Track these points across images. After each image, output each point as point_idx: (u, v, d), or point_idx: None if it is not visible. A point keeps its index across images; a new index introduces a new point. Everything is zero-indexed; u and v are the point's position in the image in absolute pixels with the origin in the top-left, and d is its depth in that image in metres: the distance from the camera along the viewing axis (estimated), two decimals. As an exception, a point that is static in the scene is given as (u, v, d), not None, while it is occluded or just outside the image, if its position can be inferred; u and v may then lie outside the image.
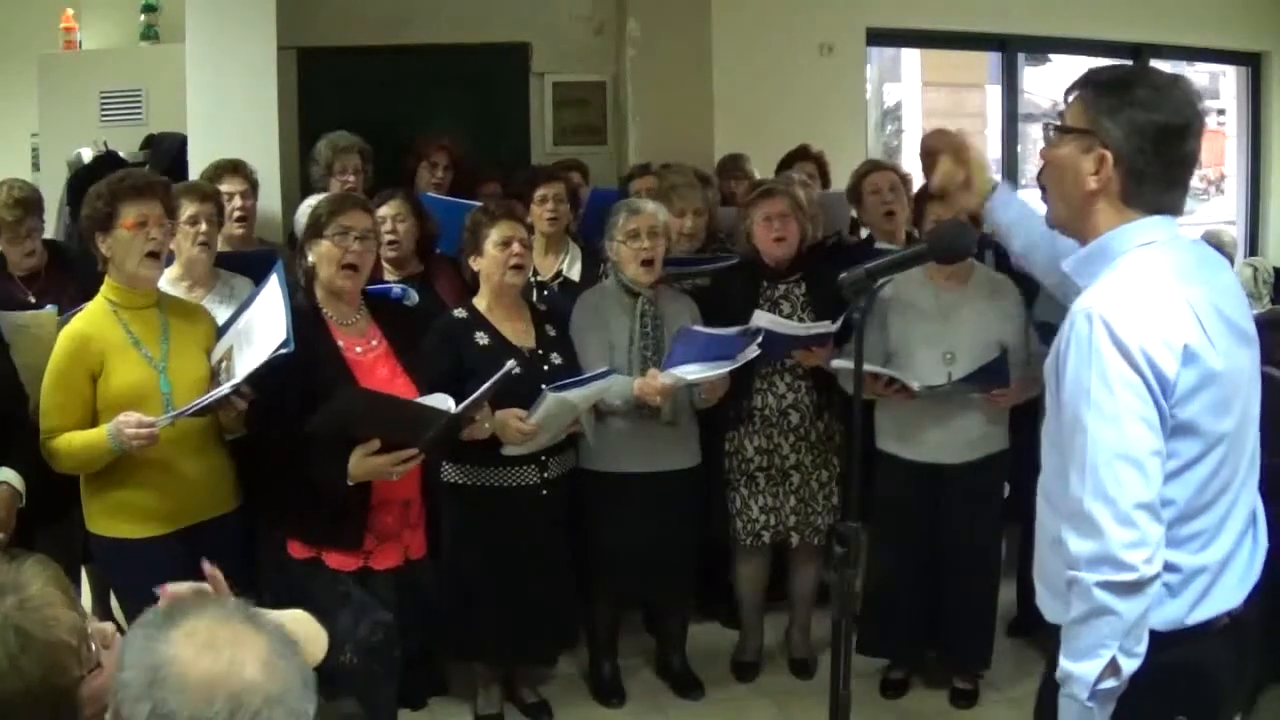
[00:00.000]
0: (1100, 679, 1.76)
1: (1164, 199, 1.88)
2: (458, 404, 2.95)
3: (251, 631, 1.24)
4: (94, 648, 1.50)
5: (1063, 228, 1.98)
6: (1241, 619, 1.88)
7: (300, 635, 1.41)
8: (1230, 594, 1.87)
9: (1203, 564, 1.84)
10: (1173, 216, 1.90)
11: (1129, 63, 1.92)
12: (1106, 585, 1.74)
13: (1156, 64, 6.85)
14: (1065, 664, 1.81)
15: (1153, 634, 1.79)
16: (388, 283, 3.75)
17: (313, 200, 3.79)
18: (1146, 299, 1.78)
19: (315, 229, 3.08)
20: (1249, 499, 1.93)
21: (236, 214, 4.01)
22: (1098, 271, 1.87)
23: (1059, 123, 1.91)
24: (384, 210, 3.87)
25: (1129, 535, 1.74)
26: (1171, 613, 1.82)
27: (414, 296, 3.59)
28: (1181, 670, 1.83)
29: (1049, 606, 1.93)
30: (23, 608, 1.42)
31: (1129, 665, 1.76)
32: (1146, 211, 1.87)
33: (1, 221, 3.64)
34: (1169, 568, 1.80)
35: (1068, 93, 1.93)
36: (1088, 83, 1.90)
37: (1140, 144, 1.82)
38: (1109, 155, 1.83)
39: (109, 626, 1.57)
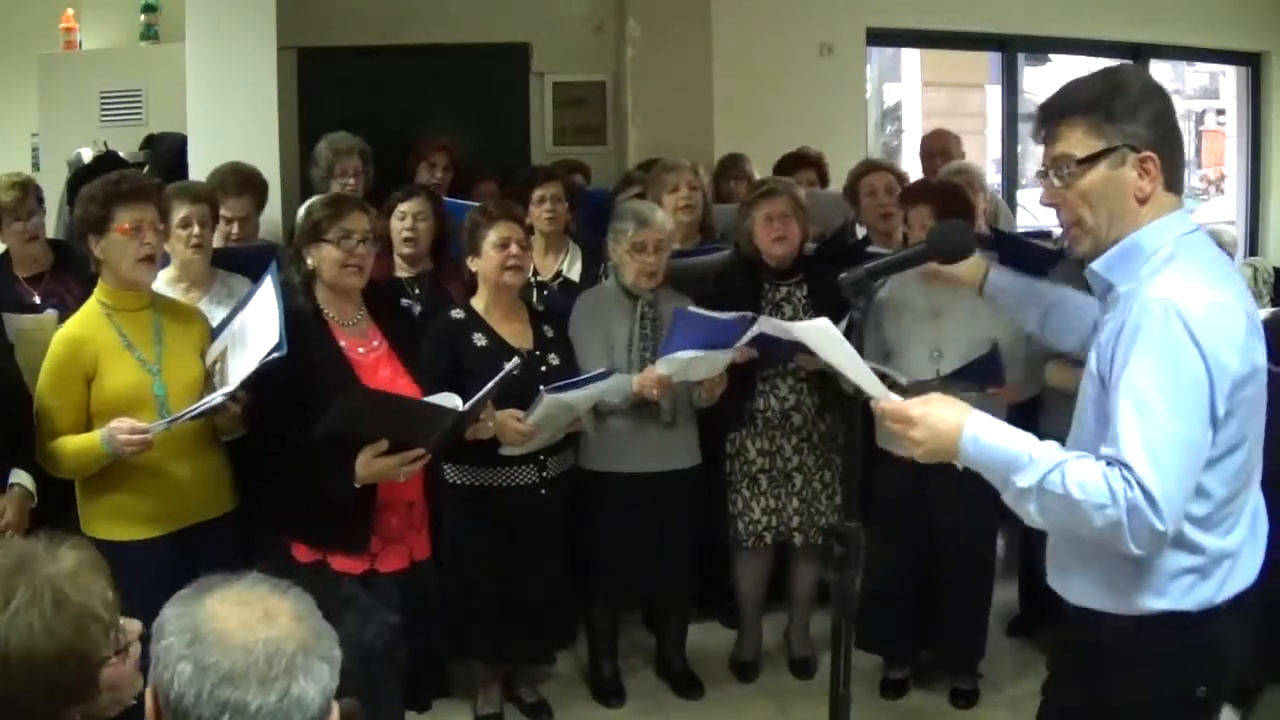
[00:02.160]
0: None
1: (1181, 178, 1.97)
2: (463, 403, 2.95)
3: (276, 595, 1.35)
4: (123, 633, 1.57)
5: (1103, 248, 1.97)
6: (1244, 599, 1.96)
7: None
8: (1249, 572, 1.97)
9: (1229, 547, 1.92)
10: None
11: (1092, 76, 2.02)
12: (1136, 530, 1.78)
13: (1156, 64, 6.88)
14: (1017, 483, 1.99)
15: (1185, 614, 1.91)
16: (398, 279, 3.83)
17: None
18: (1214, 295, 1.84)
19: (314, 232, 3.06)
20: (1258, 480, 2.02)
21: (235, 233, 3.96)
22: (1136, 268, 1.92)
23: (1070, 164, 1.91)
24: (405, 206, 3.91)
25: (1180, 510, 1.81)
26: (1204, 594, 1.92)
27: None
28: (1206, 647, 1.94)
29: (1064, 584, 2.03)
30: (62, 575, 1.51)
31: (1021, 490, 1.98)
32: (1178, 193, 1.95)
33: (2, 205, 3.59)
34: (1200, 551, 1.89)
35: (1048, 128, 1.96)
36: (1076, 107, 1.93)
37: (1163, 132, 1.91)
38: (1153, 155, 1.89)
39: (136, 624, 1.61)
